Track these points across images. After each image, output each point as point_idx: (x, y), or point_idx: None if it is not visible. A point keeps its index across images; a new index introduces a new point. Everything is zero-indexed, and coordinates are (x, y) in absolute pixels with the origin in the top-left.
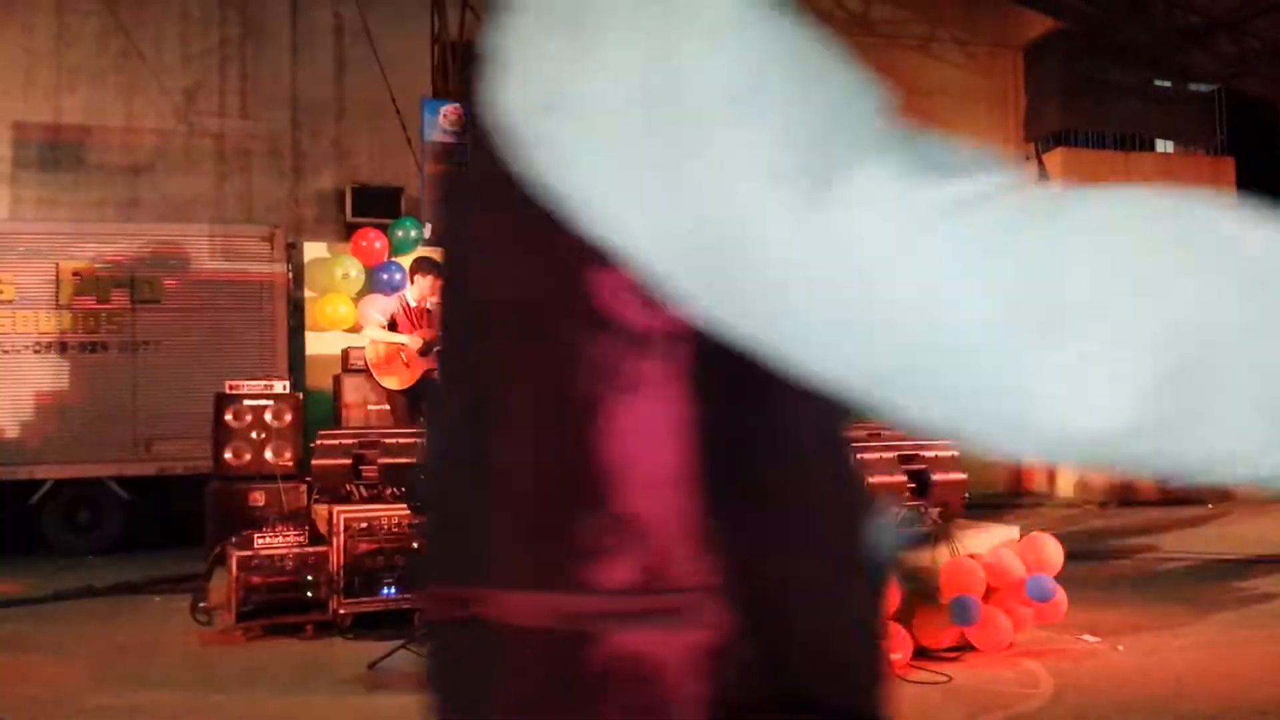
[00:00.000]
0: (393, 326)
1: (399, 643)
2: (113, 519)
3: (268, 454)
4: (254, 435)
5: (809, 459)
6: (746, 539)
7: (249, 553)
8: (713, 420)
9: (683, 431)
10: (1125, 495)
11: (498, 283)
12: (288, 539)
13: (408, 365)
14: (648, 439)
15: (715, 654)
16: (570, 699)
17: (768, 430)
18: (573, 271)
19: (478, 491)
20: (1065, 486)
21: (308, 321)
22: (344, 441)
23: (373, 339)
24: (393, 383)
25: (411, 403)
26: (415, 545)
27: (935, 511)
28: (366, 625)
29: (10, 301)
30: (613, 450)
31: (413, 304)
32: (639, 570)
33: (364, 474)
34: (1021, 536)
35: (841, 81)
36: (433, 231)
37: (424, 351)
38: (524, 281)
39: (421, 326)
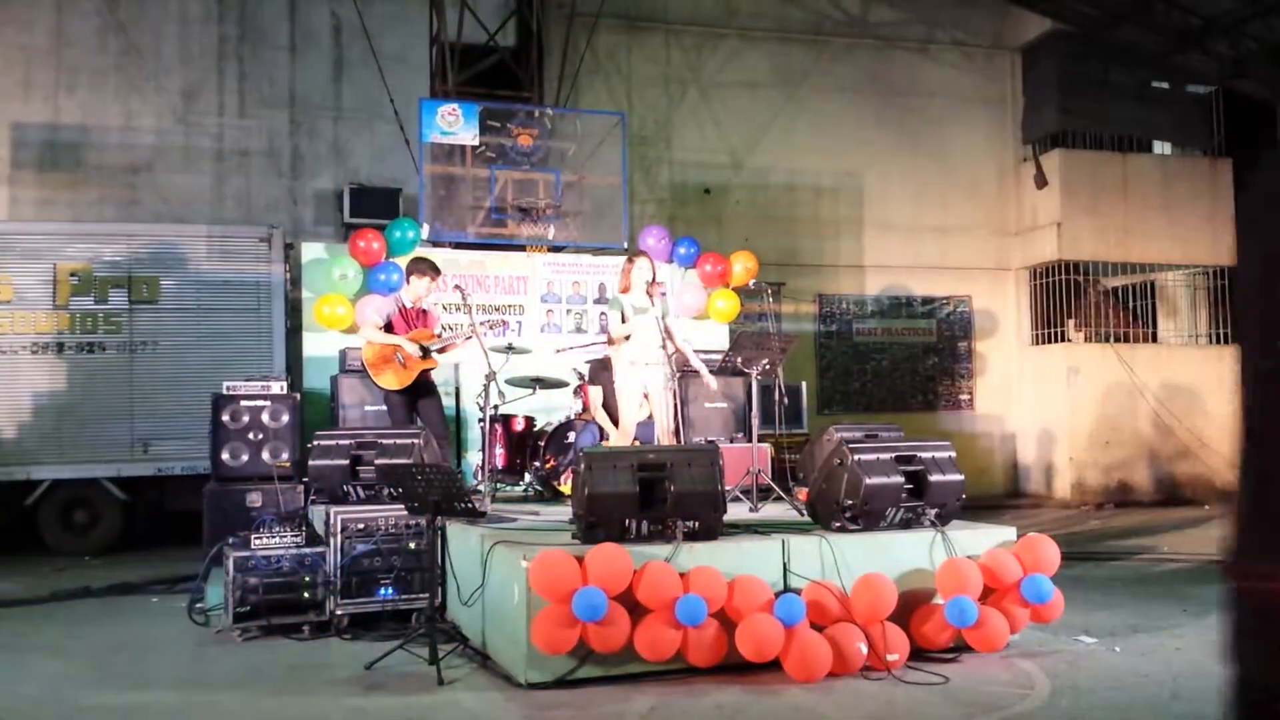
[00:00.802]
0: (389, 327)
1: (396, 644)
2: (110, 519)
3: (265, 455)
4: (251, 436)
5: None
6: None
7: (246, 553)
8: None
9: None
10: (1122, 496)
11: None
12: (285, 539)
13: (404, 366)
14: None
15: None
16: None
17: None
18: None
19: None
20: (1062, 488)
21: (305, 322)
22: (341, 442)
23: (369, 339)
24: (390, 383)
25: (408, 403)
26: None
27: (932, 513)
28: (363, 626)
29: (8, 302)
30: None
31: (409, 304)
32: None
33: (361, 475)
34: (1018, 537)
35: None
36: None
37: (422, 352)
38: None
39: (418, 326)
